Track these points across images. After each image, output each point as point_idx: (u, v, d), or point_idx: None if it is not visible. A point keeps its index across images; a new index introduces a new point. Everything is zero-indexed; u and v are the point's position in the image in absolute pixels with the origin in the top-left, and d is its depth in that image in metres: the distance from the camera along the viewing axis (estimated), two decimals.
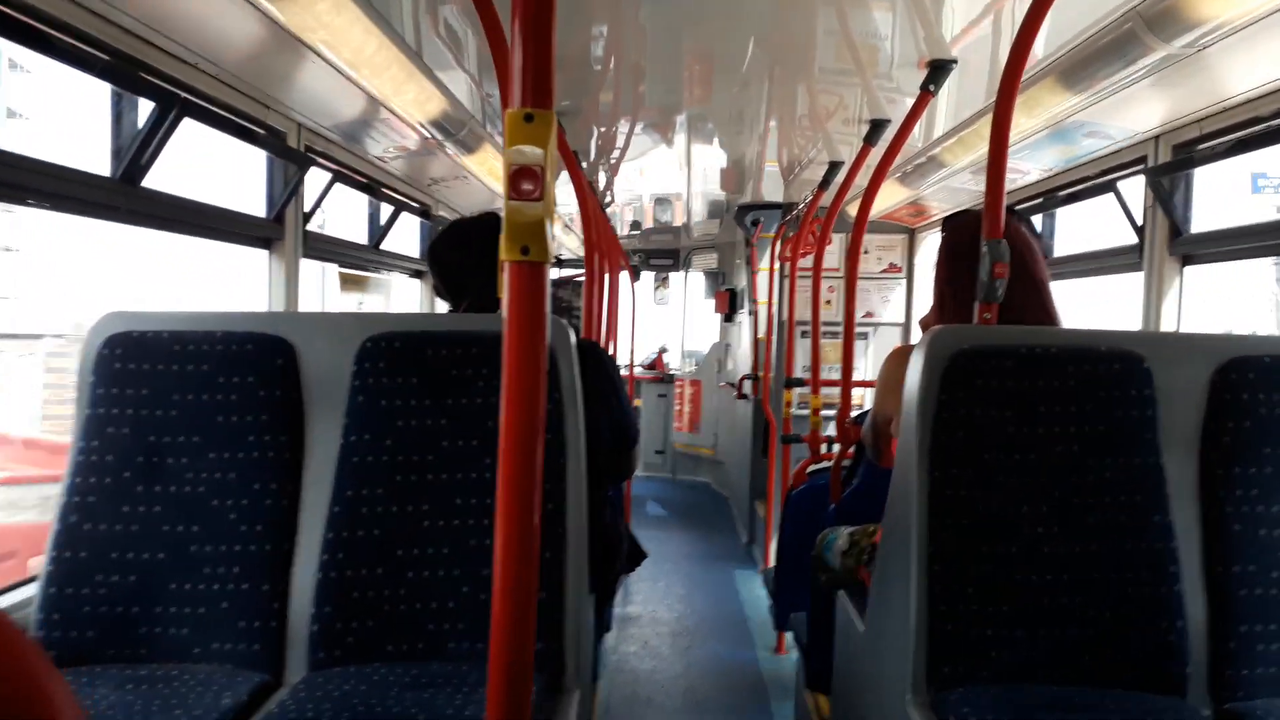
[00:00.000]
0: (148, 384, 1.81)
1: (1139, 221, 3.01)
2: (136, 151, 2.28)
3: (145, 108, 2.33)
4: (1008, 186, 2.11)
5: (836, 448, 3.30)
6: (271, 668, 1.75)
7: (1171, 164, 2.81)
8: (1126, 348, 1.78)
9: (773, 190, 5.77)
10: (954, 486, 1.72)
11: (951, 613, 1.68)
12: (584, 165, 4.59)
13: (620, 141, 4.27)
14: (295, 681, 1.68)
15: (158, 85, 2.23)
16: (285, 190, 2.97)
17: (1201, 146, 2.68)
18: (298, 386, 1.86)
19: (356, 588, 1.75)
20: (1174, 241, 2.87)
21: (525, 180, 0.95)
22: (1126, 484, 1.73)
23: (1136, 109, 2.70)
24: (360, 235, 4.06)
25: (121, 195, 2.27)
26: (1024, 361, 1.75)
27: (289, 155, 2.91)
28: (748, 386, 6.91)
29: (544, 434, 1.02)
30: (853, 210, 4.28)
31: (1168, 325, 2.88)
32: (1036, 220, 3.88)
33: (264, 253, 3.00)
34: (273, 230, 2.98)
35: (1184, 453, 1.78)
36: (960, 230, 2.09)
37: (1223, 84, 2.39)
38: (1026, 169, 3.63)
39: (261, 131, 2.74)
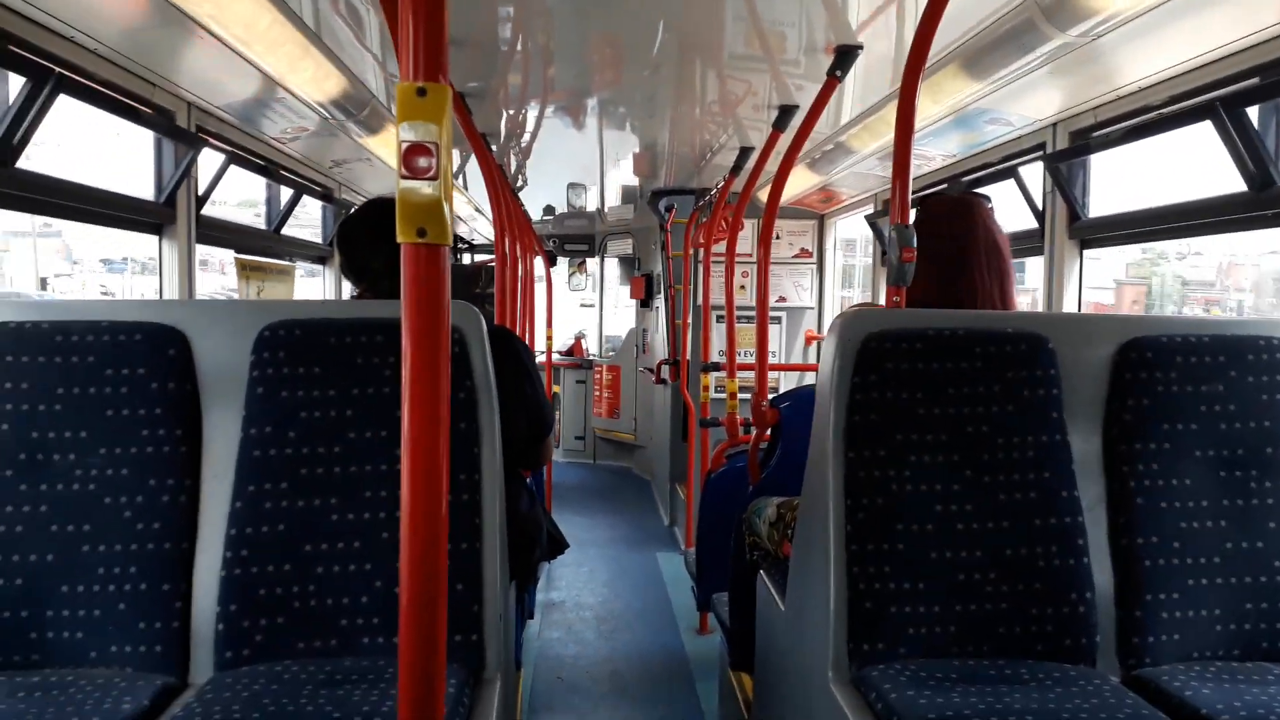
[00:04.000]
0: (28, 377, 1.70)
1: (1039, 206, 3.10)
2: (8, 130, 2.13)
3: (16, 83, 2.18)
4: (913, 172, 2.14)
5: (754, 430, 3.32)
6: (176, 670, 1.67)
7: (1068, 150, 2.90)
8: (1031, 329, 1.83)
9: (686, 176, 5.78)
10: (868, 467, 1.75)
11: (869, 591, 1.71)
12: (493, 148, 4.51)
13: (530, 125, 4.20)
14: (201, 683, 1.61)
15: (29, 59, 2.09)
16: (176, 172, 2.83)
17: (1097, 134, 2.77)
18: (192, 378, 1.77)
19: (263, 585, 1.68)
20: (1072, 225, 2.96)
21: (419, 156, 0.91)
22: (1035, 461, 1.77)
23: (1035, 97, 2.77)
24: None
25: None
26: (933, 344, 1.79)
27: (178, 135, 2.77)
28: (666, 371, 6.93)
29: (449, 422, 0.99)
30: (764, 196, 4.31)
31: (1069, 306, 2.98)
32: None
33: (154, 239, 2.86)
34: (164, 214, 2.84)
35: (1088, 430, 1.84)
36: (932, 210, 2.11)
37: (1116, 73, 2.47)
38: (931, 155, 3.71)
39: (148, 110, 2.59)
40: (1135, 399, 1.82)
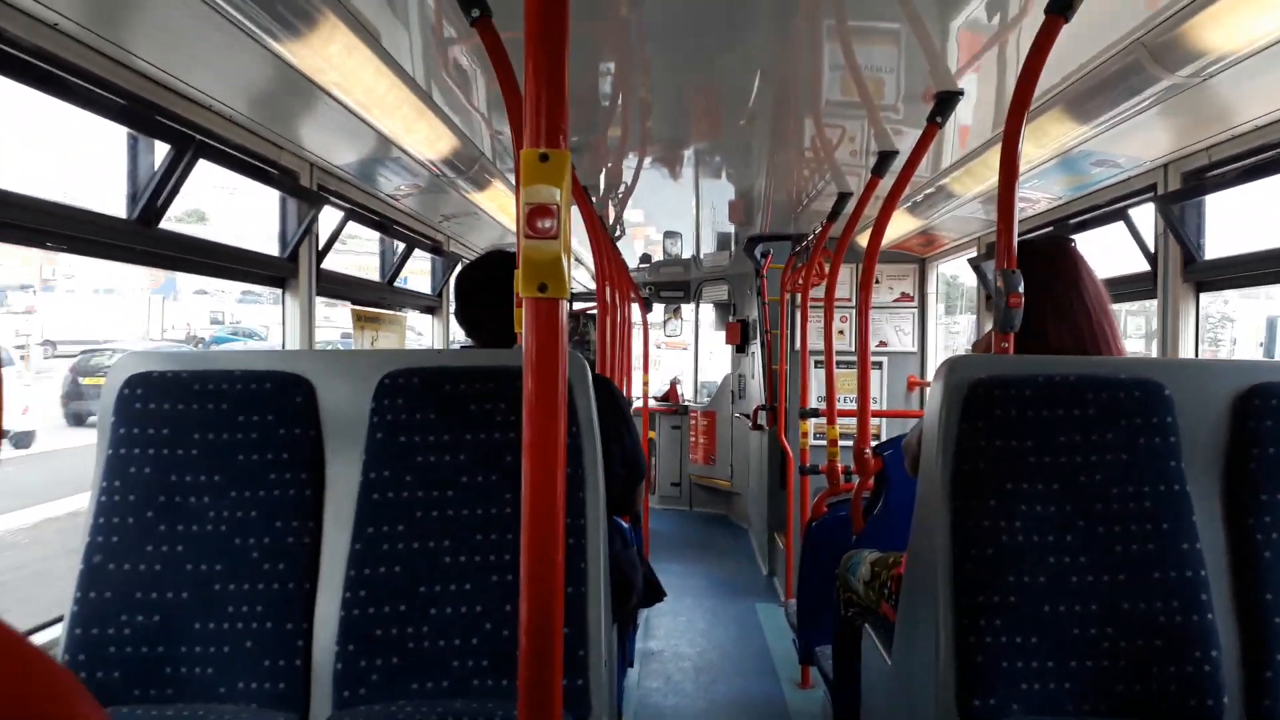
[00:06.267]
0: (168, 423, 1.81)
1: (1151, 249, 3.01)
2: (153, 193, 2.31)
3: (160, 149, 2.36)
4: (1018, 215, 2.11)
5: (856, 479, 3.27)
6: (297, 707, 1.74)
7: (1181, 191, 2.81)
8: (1146, 375, 1.78)
9: (782, 222, 5.79)
10: (977, 517, 1.71)
11: (979, 645, 1.66)
12: (594, 200, 4.62)
13: (629, 176, 4.30)
14: None
15: (173, 127, 2.27)
16: (299, 229, 3.00)
17: (1212, 174, 2.68)
18: (317, 424, 1.86)
19: (379, 625, 1.74)
20: (1187, 268, 2.86)
21: (542, 218, 0.96)
22: (1152, 512, 1.71)
23: (1144, 138, 2.71)
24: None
25: (138, 237, 2.29)
26: (1043, 390, 1.75)
27: (302, 194, 2.95)
28: (762, 417, 6.89)
29: (565, 467, 1.02)
30: (863, 240, 4.28)
31: (1185, 352, 2.87)
32: None
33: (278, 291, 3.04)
34: (287, 269, 3.01)
35: (1208, 480, 1.77)
36: (1035, 254, 2.05)
37: (1231, 112, 2.40)
38: (1036, 198, 3.64)
39: (275, 171, 2.77)
40: (1260, 447, 1.74)
